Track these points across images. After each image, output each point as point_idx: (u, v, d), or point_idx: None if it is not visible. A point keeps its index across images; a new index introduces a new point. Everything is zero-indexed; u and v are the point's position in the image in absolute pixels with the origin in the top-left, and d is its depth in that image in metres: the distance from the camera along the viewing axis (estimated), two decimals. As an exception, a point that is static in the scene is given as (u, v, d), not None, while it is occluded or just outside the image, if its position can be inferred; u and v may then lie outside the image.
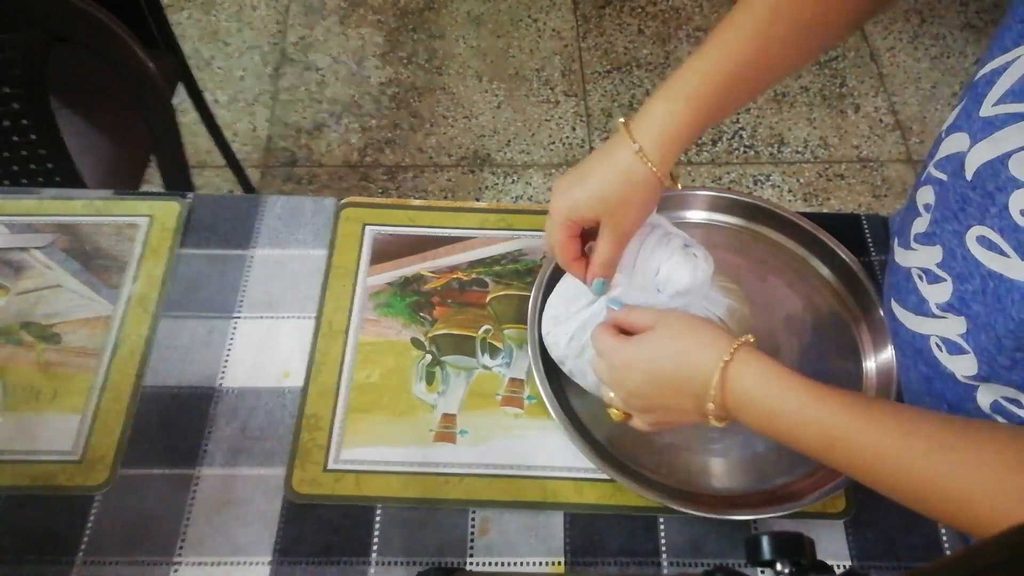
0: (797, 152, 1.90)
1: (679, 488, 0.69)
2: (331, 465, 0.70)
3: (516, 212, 0.85)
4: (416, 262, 0.81)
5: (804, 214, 0.82)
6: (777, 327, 0.78)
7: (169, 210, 0.84)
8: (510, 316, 0.78)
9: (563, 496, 0.68)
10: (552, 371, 0.73)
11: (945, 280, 0.59)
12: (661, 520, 0.68)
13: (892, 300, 0.69)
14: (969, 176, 0.55)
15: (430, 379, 0.74)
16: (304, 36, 2.08)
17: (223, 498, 0.68)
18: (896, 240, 0.70)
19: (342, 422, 0.72)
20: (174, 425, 0.71)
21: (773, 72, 0.63)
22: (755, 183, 1.85)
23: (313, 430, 0.71)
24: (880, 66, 2.04)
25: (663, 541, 0.67)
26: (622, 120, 0.62)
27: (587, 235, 0.66)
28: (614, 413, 0.64)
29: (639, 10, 2.14)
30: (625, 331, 0.63)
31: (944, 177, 0.59)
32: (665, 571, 0.66)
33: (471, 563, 0.66)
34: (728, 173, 1.87)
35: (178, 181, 1.10)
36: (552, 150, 1.89)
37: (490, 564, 0.66)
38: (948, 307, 0.59)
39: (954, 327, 0.59)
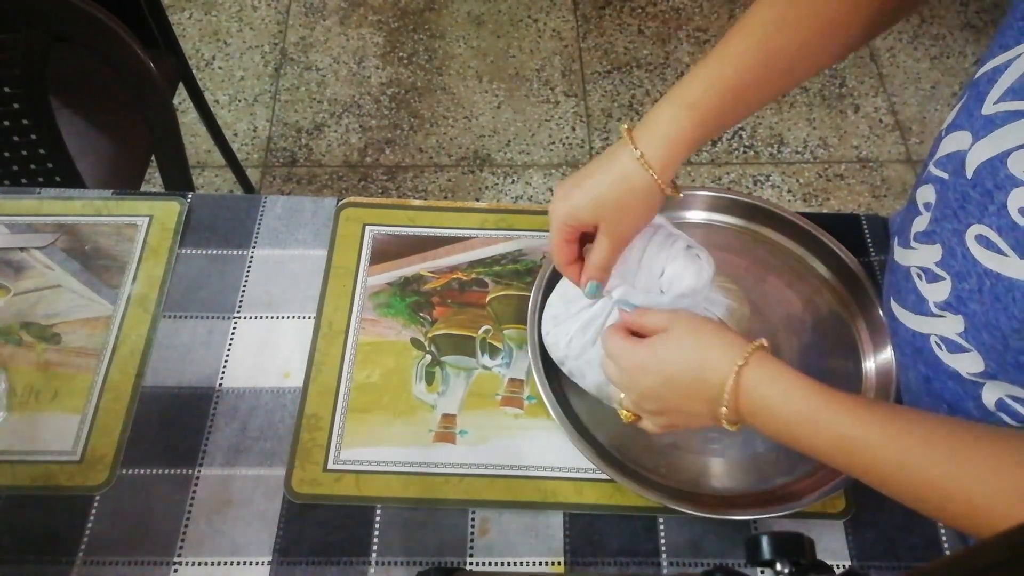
0: (797, 152, 1.90)
1: (679, 488, 0.69)
2: (331, 465, 0.70)
3: (516, 212, 0.85)
4: (416, 262, 0.81)
5: (804, 214, 0.82)
6: (777, 327, 0.78)
7: (169, 210, 0.84)
8: (510, 316, 0.78)
9: (563, 496, 0.68)
10: (552, 371, 0.73)
11: (944, 279, 0.59)
12: (661, 520, 0.68)
13: (891, 299, 0.69)
14: (969, 174, 0.55)
15: (430, 379, 0.74)
16: (304, 36, 2.08)
17: (223, 498, 0.68)
18: (896, 239, 0.70)
19: (342, 422, 0.72)
20: (174, 425, 0.71)
21: (778, 83, 0.63)
22: (755, 183, 1.85)
23: (313, 430, 0.71)
24: (880, 66, 2.04)
25: (663, 541, 0.67)
26: (625, 127, 0.61)
27: (586, 239, 0.66)
28: (624, 415, 0.64)
29: (639, 10, 2.14)
30: (635, 333, 0.63)
31: (945, 176, 0.59)
32: (665, 571, 0.66)
33: (471, 563, 0.66)
34: (728, 173, 1.87)
35: (178, 181, 1.10)
36: (552, 150, 1.89)
37: (490, 564, 0.66)
38: (946, 306, 0.59)
39: (952, 326, 0.59)
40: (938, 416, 0.52)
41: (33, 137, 1.05)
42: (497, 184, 1.84)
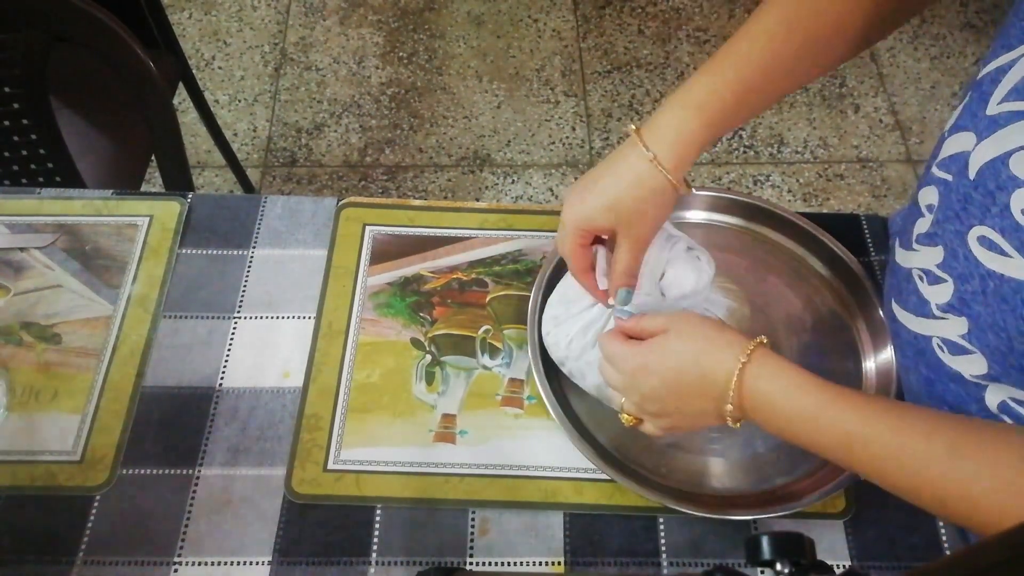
0: (797, 152, 1.90)
1: (679, 488, 0.69)
2: (331, 465, 0.70)
3: (516, 212, 0.85)
4: (416, 262, 0.81)
5: (804, 214, 0.82)
6: (777, 327, 0.78)
7: (169, 210, 0.84)
8: (510, 316, 0.78)
9: (563, 496, 0.68)
10: (552, 371, 0.73)
11: (946, 281, 0.59)
12: (661, 520, 0.68)
13: (892, 301, 0.69)
14: (972, 175, 0.55)
15: (430, 379, 0.74)
16: (304, 36, 2.08)
17: (223, 498, 0.68)
18: (897, 241, 0.70)
19: (342, 422, 0.72)
20: (174, 425, 0.71)
21: (786, 83, 0.63)
22: (755, 183, 1.85)
23: (313, 430, 0.71)
24: (880, 66, 2.04)
25: (663, 541, 0.67)
26: (634, 127, 0.61)
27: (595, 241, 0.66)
28: (625, 419, 0.64)
29: (639, 10, 2.14)
30: (632, 337, 0.63)
31: (949, 177, 0.59)
32: (665, 571, 0.66)
33: (471, 563, 0.66)
34: (728, 173, 1.87)
35: (178, 181, 1.10)
36: (552, 150, 1.89)
37: (490, 564, 0.66)
38: (948, 308, 0.59)
39: (955, 328, 0.59)
40: (938, 412, 0.52)
41: (33, 137, 1.05)
42: (497, 184, 1.84)
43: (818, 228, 0.81)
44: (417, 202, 0.86)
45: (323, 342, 0.76)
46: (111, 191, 0.85)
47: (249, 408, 0.72)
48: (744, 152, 1.90)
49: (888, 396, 0.72)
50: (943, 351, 0.61)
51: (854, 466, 0.54)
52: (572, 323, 0.69)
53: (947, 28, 2.11)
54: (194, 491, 0.68)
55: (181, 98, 1.45)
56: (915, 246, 0.64)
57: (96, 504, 0.68)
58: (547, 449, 0.71)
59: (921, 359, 0.65)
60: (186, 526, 0.67)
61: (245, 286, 0.79)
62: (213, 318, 0.77)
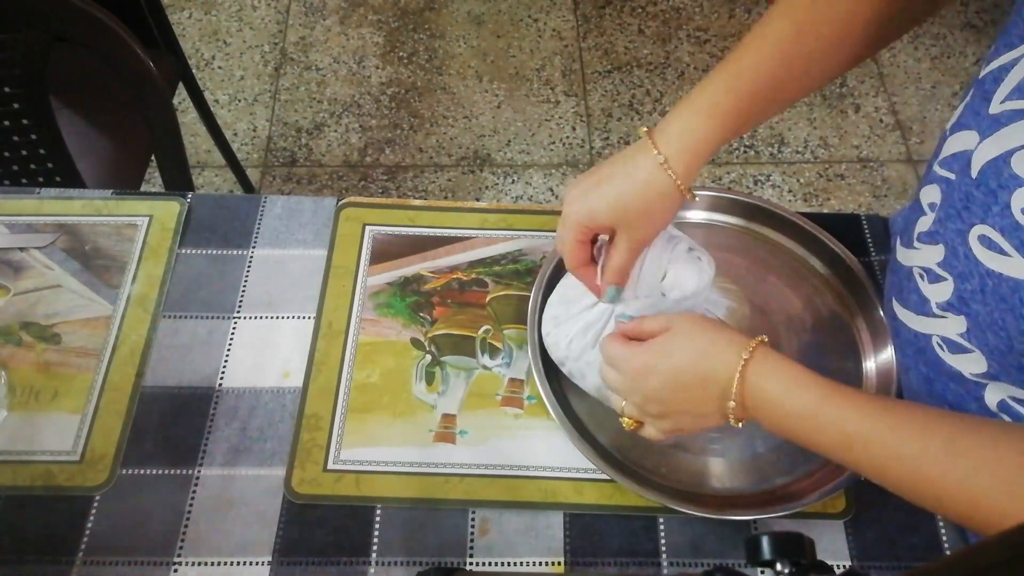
0: (797, 152, 1.90)
1: (679, 488, 0.69)
2: (331, 465, 0.70)
3: (516, 212, 0.85)
4: (416, 262, 0.81)
5: (804, 214, 0.82)
6: (777, 327, 0.78)
7: (169, 210, 0.84)
8: (510, 316, 0.78)
9: (563, 496, 0.68)
10: (552, 371, 0.73)
11: (946, 279, 0.59)
12: (661, 520, 0.68)
13: (893, 300, 0.69)
14: (975, 174, 0.55)
15: (430, 379, 0.74)
16: (304, 36, 2.08)
17: (223, 498, 0.68)
18: (898, 240, 0.70)
19: (342, 422, 0.72)
20: (174, 425, 0.71)
21: (797, 87, 0.63)
22: (755, 183, 1.85)
23: (313, 430, 0.71)
24: (880, 66, 2.04)
25: (663, 541, 0.67)
26: (645, 129, 0.61)
27: (595, 238, 0.66)
28: (626, 422, 0.64)
29: (639, 10, 2.14)
30: (633, 339, 0.63)
31: (951, 176, 0.59)
32: (665, 571, 0.66)
33: (471, 563, 0.66)
34: (728, 173, 1.87)
35: (178, 181, 1.10)
36: (552, 150, 1.89)
37: (490, 564, 0.66)
38: (948, 306, 0.59)
39: (954, 326, 0.59)
40: (937, 410, 0.52)
41: (33, 137, 1.05)
42: (497, 184, 1.84)
43: (818, 228, 0.81)
44: (417, 202, 0.86)
45: (323, 342, 0.76)
46: (111, 191, 0.85)
47: (249, 408, 0.72)
48: (744, 152, 1.90)
49: (888, 395, 0.72)
50: (943, 350, 0.61)
51: (853, 464, 0.54)
52: (572, 323, 0.69)
53: (947, 28, 2.11)
54: (194, 491, 0.68)
55: (181, 98, 1.45)
56: (916, 244, 0.64)
57: (96, 504, 0.68)
58: (547, 449, 0.71)
59: (921, 357, 0.65)
60: (186, 526, 0.67)
61: (245, 286, 0.79)
62: (213, 318, 0.77)
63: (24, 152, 1.06)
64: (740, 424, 0.58)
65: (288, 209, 0.84)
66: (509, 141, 1.90)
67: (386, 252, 0.82)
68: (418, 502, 0.68)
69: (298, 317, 0.77)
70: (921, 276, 0.63)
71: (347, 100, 1.96)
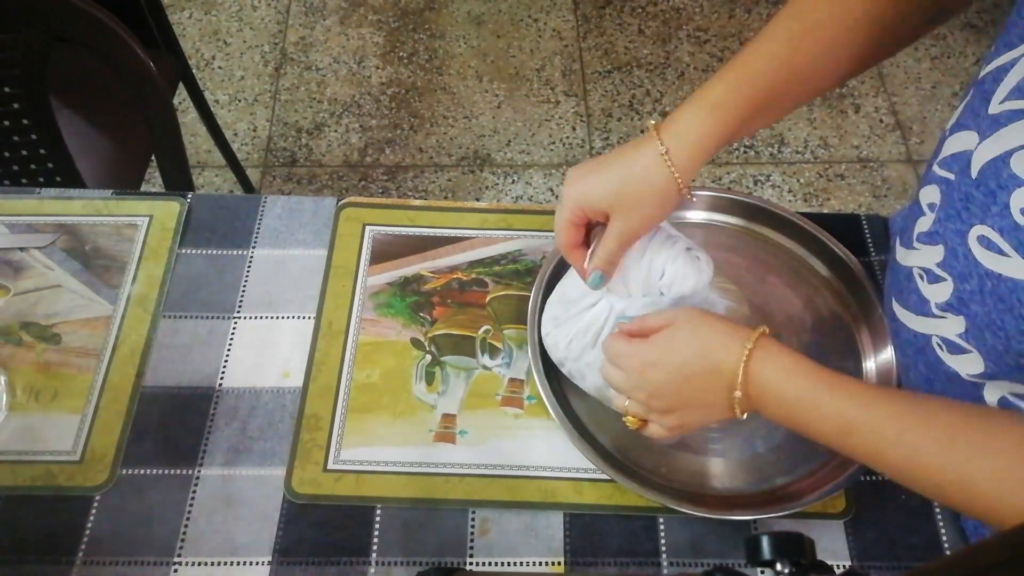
0: (797, 152, 1.90)
1: (679, 488, 0.69)
2: (331, 465, 0.70)
3: (516, 212, 0.85)
4: (416, 262, 0.81)
5: (804, 214, 0.82)
6: (777, 327, 0.78)
7: (169, 210, 0.84)
8: (510, 316, 0.78)
9: (563, 496, 0.68)
10: (552, 371, 0.73)
11: (945, 280, 0.59)
12: (661, 520, 0.68)
13: (893, 300, 0.69)
14: (974, 174, 0.55)
15: (430, 379, 0.74)
16: (304, 36, 2.08)
17: (223, 498, 0.68)
18: (898, 240, 0.70)
19: (342, 422, 0.72)
20: (174, 425, 0.71)
21: (801, 90, 0.63)
22: (755, 183, 1.85)
23: (313, 430, 0.71)
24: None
25: (663, 541, 0.67)
26: (653, 123, 0.61)
27: (592, 228, 0.66)
28: (629, 421, 0.64)
29: (639, 10, 2.14)
30: (635, 336, 0.63)
31: (950, 176, 0.59)
32: (665, 571, 0.66)
33: (471, 563, 0.66)
34: (728, 173, 1.87)
35: (178, 181, 1.10)
36: (552, 150, 1.89)
37: (490, 564, 0.66)
38: (947, 307, 0.59)
39: (953, 327, 0.59)
40: (937, 399, 0.53)
41: (33, 137, 1.05)
42: (497, 184, 1.84)
43: (818, 228, 0.81)
44: (417, 202, 0.86)
45: (323, 342, 0.76)
46: (111, 191, 0.85)
47: (249, 408, 0.72)
48: (744, 152, 1.90)
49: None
50: (942, 350, 0.61)
51: (853, 452, 0.54)
52: (572, 324, 0.69)
53: (947, 28, 2.11)
54: (194, 491, 0.68)
55: (181, 98, 1.45)
56: (916, 245, 0.64)
57: (96, 504, 0.68)
58: (547, 449, 0.71)
59: (921, 358, 0.65)
60: (186, 526, 0.67)
61: (245, 286, 0.79)
62: (213, 318, 0.77)
63: (24, 152, 1.06)
64: (745, 415, 0.58)
65: (288, 209, 0.84)
66: (509, 141, 1.90)
67: (386, 252, 0.82)
68: (418, 502, 0.68)
69: (298, 317, 0.77)
70: (921, 276, 0.63)
71: (347, 100, 1.96)
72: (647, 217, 0.62)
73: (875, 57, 0.63)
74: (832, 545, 0.67)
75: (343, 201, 0.85)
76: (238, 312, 0.78)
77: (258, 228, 0.83)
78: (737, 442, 0.72)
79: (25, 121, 1.03)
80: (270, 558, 0.66)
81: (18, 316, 0.77)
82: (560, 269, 0.75)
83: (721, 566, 0.42)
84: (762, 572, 0.41)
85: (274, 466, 0.70)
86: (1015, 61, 0.53)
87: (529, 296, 0.76)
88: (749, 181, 1.85)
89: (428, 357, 0.76)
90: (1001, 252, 0.52)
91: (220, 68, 2.02)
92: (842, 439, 0.54)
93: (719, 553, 0.66)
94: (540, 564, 0.66)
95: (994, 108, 0.54)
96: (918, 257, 0.64)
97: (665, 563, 0.66)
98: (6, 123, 1.03)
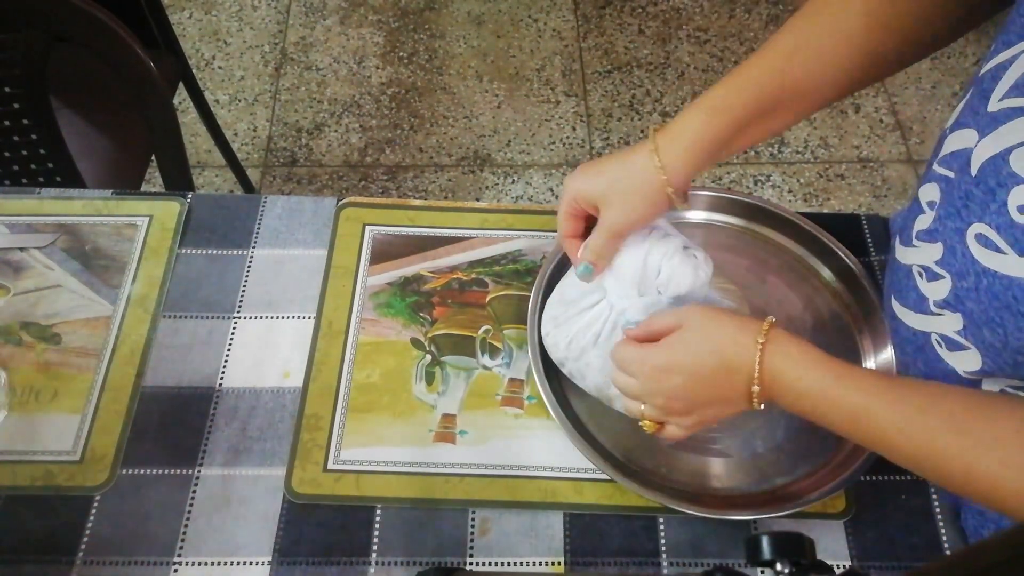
0: (797, 152, 1.90)
1: (679, 488, 0.69)
2: (331, 465, 0.70)
3: (516, 212, 0.85)
4: (416, 262, 0.81)
5: (804, 214, 0.82)
6: (777, 327, 0.78)
7: (169, 210, 0.84)
8: (510, 316, 0.78)
9: (563, 496, 0.68)
10: (552, 371, 0.73)
11: (944, 277, 0.59)
12: (661, 520, 0.68)
13: (892, 298, 0.69)
14: (974, 172, 0.55)
15: (430, 379, 0.74)
16: (304, 36, 2.08)
17: (223, 498, 0.68)
18: (897, 238, 0.70)
19: (342, 422, 0.72)
20: (174, 425, 0.71)
21: (801, 100, 0.63)
22: (755, 183, 1.85)
23: (313, 430, 0.71)
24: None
25: (663, 541, 0.67)
26: (655, 127, 0.63)
27: (594, 222, 0.67)
28: (646, 425, 0.64)
29: (639, 10, 2.14)
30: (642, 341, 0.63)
31: (950, 174, 0.60)
32: (665, 571, 0.66)
33: (471, 563, 0.66)
34: (728, 173, 1.87)
35: (178, 181, 1.10)
36: (552, 150, 1.89)
37: (490, 564, 0.66)
38: (945, 304, 0.59)
39: (951, 324, 0.59)
40: (943, 386, 0.54)
41: (33, 137, 1.05)
42: (497, 184, 1.84)
43: (818, 228, 0.81)
44: (417, 202, 0.86)
45: (323, 342, 0.76)
46: (111, 191, 0.85)
47: (249, 408, 0.72)
48: (744, 152, 1.90)
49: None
50: (941, 347, 0.62)
51: (862, 441, 0.55)
52: (572, 324, 0.69)
53: (947, 28, 2.11)
54: (194, 491, 0.68)
55: (181, 98, 1.45)
56: (915, 242, 0.64)
57: (96, 504, 0.68)
58: (547, 449, 0.71)
59: (919, 355, 0.65)
60: (186, 526, 0.67)
61: (245, 286, 0.79)
62: (213, 318, 0.77)
63: (24, 152, 1.06)
64: (762, 406, 0.58)
65: (288, 209, 0.84)
66: (509, 141, 1.90)
67: (386, 252, 0.82)
68: (418, 502, 0.68)
69: (298, 317, 0.77)
70: (920, 274, 0.63)
71: (347, 100, 1.96)
72: (633, 212, 0.63)
73: (877, 74, 0.64)
74: (832, 545, 0.67)
75: (343, 201, 0.85)
76: (238, 312, 0.78)
77: (258, 228, 0.83)
78: (737, 442, 0.72)
79: (25, 121, 1.03)
80: (270, 558, 0.66)
81: (18, 316, 0.77)
82: (560, 269, 0.75)
83: (721, 566, 0.42)
84: (762, 572, 0.41)
85: (274, 466, 0.70)
86: (1014, 59, 0.53)
87: (529, 296, 0.76)
88: (749, 181, 1.85)
89: (428, 357, 0.76)
90: (998, 249, 0.52)
91: (220, 68, 2.02)
92: (851, 426, 0.55)
93: (719, 553, 0.66)
94: (540, 564, 0.66)
95: (993, 106, 0.54)
96: (917, 255, 0.64)
97: (665, 563, 0.66)
98: (6, 123, 1.03)
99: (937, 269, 0.60)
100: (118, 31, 0.97)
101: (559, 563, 0.66)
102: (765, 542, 0.41)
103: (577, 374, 0.70)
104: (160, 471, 0.69)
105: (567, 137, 1.91)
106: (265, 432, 0.71)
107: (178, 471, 0.69)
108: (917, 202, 0.66)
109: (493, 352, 0.76)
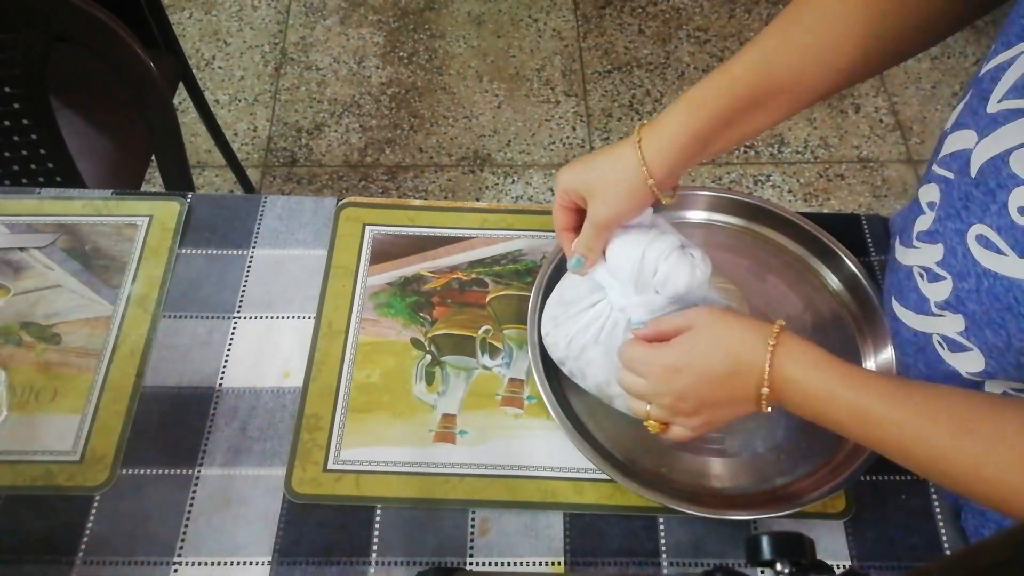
0: (797, 152, 1.90)
1: (679, 488, 0.69)
2: (331, 465, 0.70)
3: (516, 212, 0.85)
4: (416, 262, 0.81)
5: (804, 214, 0.82)
6: (777, 327, 0.78)
7: (169, 210, 0.84)
8: (510, 316, 0.78)
9: (563, 496, 0.68)
10: (552, 371, 0.73)
11: (945, 278, 0.59)
12: (661, 520, 0.68)
13: (893, 299, 0.69)
14: (974, 173, 0.55)
15: (430, 379, 0.74)
16: (304, 36, 2.08)
17: (223, 498, 0.68)
18: (898, 239, 0.70)
19: (342, 422, 0.72)
20: (174, 425, 0.71)
21: (786, 96, 0.63)
22: (755, 183, 1.85)
23: (313, 430, 0.71)
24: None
25: (663, 541, 0.67)
26: (643, 123, 0.63)
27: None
28: (652, 425, 0.64)
29: (639, 10, 2.14)
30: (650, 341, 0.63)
31: (950, 175, 0.59)
32: (665, 571, 0.66)
33: (471, 563, 0.66)
34: (728, 173, 1.87)
35: (178, 181, 1.10)
36: (552, 150, 1.89)
37: (490, 564, 0.66)
38: (946, 305, 0.59)
39: (953, 325, 0.59)
40: (948, 388, 0.54)
41: (33, 137, 1.05)
42: (497, 184, 1.84)
43: (818, 228, 0.81)
44: (417, 202, 0.86)
45: (323, 342, 0.76)
46: (111, 191, 0.85)
47: (249, 408, 0.72)
48: (744, 152, 1.90)
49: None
50: (943, 348, 0.61)
51: (869, 444, 0.55)
52: (572, 323, 0.69)
53: (947, 28, 2.11)
54: (194, 491, 0.68)
55: (181, 98, 1.45)
56: (916, 243, 0.64)
57: (96, 504, 0.68)
58: (547, 449, 0.71)
59: (921, 357, 0.65)
60: (186, 526, 0.67)
61: (245, 286, 0.79)
62: (213, 318, 0.77)
63: (24, 152, 1.06)
64: (770, 408, 0.58)
65: (288, 209, 0.84)
66: (509, 141, 1.90)
67: (386, 252, 0.82)
68: (418, 502, 0.68)
69: (298, 317, 0.77)
70: (921, 275, 0.63)
71: (347, 100, 1.96)
72: (618, 205, 0.64)
73: (867, 71, 0.63)
74: (832, 545, 0.67)
75: (343, 201, 0.85)
76: (238, 312, 0.78)
77: (258, 228, 0.83)
78: (737, 442, 0.72)
79: (25, 121, 1.03)
80: (270, 558, 0.66)
81: (18, 316, 0.77)
82: (560, 269, 0.76)
83: (721, 566, 0.42)
84: (762, 572, 0.41)
85: (274, 466, 0.70)
86: (1013, 60, 0.53)
87: (529, 296, 0.76)
88: (749, 181, 1.85)
89: (428, 357, 0.76)
90: (998, 251, 0.52)
91: (220, 68, 2.02)
92: (857, 429, 0.55)
93: (719, 553, 0.66)
94: (540, 564, 0.66)
95: (992, 107, 0.54)
96: (918, 256, 0.64)
97: (665, 563, 0.66)
98: (6, 123, 1.03)
99: (938, 270, 0.60)
100: (118, 31, 0.97)
101: (559, 563, 0.66)
102: (765, 542, 0.41)
103: (577, 373, 0.70)
104: (160, 471, 0.69)
105: (567, 137, 1.91)
106: (265, 432, 0.71)
107: (178, 471, 0.69)
108: (917, 203, 0.66)
109: (493, 352, 0.76)
